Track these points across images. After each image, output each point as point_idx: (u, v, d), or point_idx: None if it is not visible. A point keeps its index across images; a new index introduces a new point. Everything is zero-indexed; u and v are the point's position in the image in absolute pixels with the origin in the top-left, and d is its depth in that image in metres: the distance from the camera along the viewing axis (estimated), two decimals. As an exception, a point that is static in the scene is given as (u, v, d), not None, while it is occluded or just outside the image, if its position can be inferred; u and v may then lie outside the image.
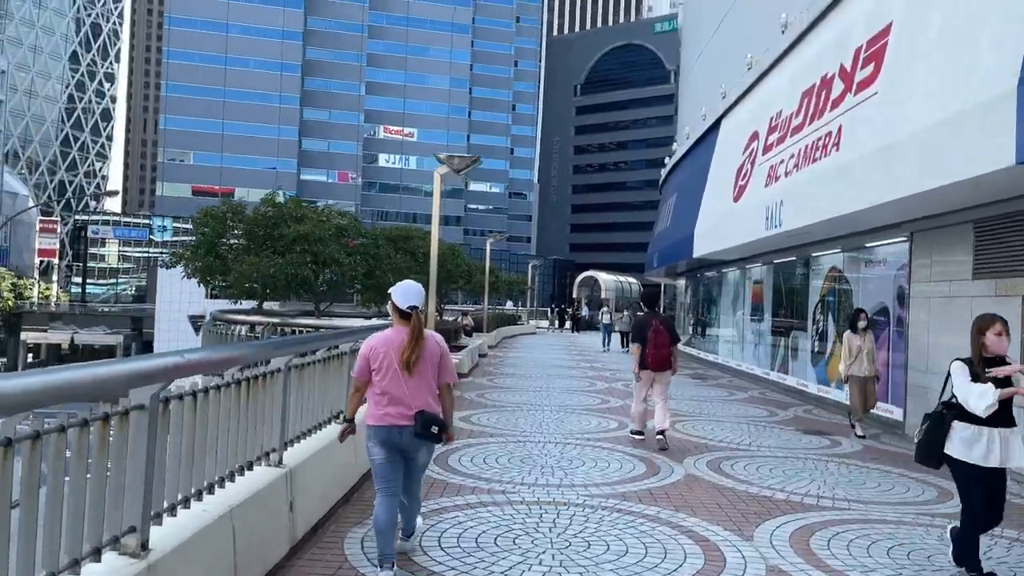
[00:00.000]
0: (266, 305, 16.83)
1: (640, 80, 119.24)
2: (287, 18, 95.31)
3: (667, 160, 31.42)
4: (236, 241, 14.51)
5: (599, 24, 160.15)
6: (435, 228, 11.10)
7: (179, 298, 50.53)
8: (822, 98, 11.43)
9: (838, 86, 10.87)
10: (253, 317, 8.15)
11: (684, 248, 19.86)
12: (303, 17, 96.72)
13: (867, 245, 11.97)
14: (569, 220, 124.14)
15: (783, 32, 14.26)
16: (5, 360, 65.09)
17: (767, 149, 13.89)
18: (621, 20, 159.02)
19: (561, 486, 6.32)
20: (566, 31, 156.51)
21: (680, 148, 26.14)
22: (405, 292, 4.12)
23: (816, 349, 14.07)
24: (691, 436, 9.19)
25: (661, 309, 10.36)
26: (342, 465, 5.64)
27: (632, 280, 49.47)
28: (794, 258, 15.25)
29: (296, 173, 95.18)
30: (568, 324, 42.36)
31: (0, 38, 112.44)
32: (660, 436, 8.29)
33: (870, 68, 9.88)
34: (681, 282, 29.32)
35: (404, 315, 4.10)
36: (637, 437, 8.68)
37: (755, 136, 15.03)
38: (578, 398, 12.49)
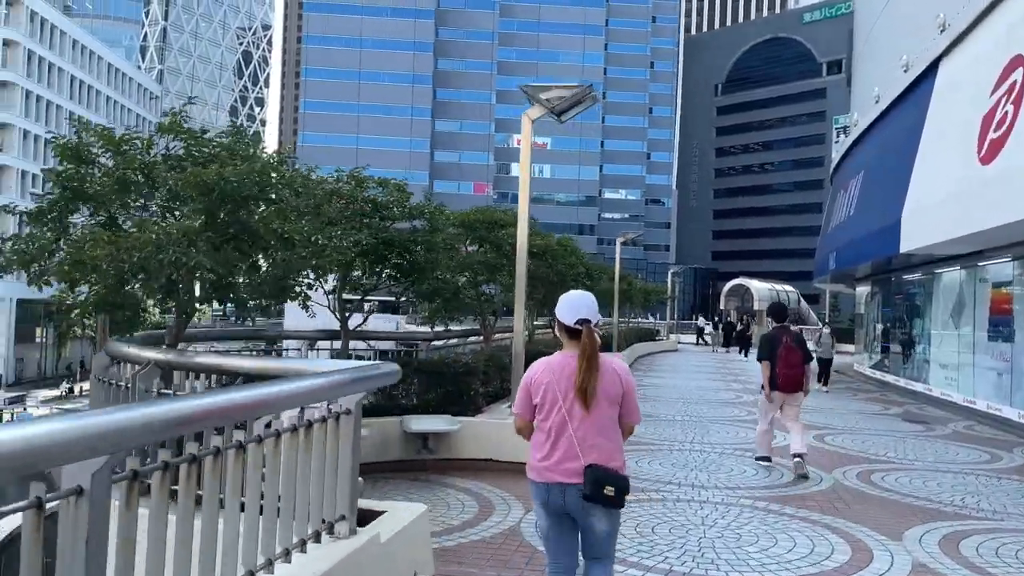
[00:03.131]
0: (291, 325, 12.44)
1: (788, 75, 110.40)
2: (418, 30, 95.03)
3: (837, 140, 25.96)
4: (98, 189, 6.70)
5: (740, 20, 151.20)
6: (524, 200, 7.09)
7: (303, 314, 49.53)
8: None
9: None
10: (148, 352, 4.27)
11: (884, 242, 14.81)
12: (434, 28, 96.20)
13: None
14: (711, 226, 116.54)
15: None
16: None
17: (1054, 72, 8.88)
18: (764, 14, 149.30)
19: None
20: (704, 29, 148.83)
21: (863, 119, 20.76)
22: (571, 304, 3.12)
23: None
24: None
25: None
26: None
27: (789, 288, 43.17)
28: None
29: (428, 185, 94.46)
30: (716, 339, 36.28)
31: (160, 68, 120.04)
32: (797, 459, 7.49)
33: None
34: (862, 289, 23.66)
35: (573, 333, 3.07)
36: (764, 464, 7.93)
37: (1018, 61, 9.98)
38: (752, 468, 8.01)
